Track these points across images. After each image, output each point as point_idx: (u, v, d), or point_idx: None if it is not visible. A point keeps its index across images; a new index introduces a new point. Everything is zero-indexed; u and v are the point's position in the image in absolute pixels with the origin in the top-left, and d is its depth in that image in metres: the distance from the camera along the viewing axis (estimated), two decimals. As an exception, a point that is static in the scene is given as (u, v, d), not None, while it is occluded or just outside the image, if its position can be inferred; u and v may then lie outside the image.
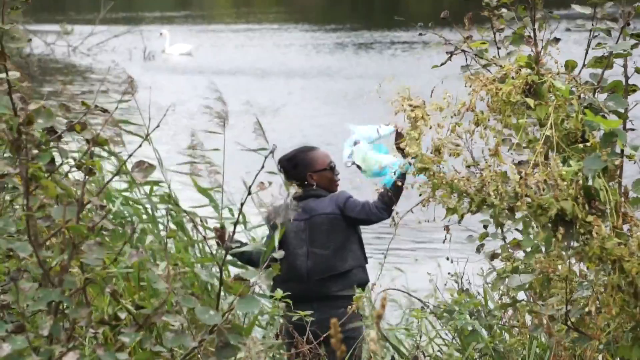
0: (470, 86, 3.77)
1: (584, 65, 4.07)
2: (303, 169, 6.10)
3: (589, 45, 4.09)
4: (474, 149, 3.79)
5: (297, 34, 33.54)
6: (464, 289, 5.05)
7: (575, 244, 3.77)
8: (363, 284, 6.03)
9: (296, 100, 21.19)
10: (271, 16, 40.03)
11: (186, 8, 45.21)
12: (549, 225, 3.76)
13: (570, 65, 4.00)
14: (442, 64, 3.90)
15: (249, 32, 34.89)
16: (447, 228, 3.96)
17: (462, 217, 3.83)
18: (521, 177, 3.68)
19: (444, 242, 4.01)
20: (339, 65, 25.72)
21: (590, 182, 3.72)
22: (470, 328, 4.61)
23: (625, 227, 3.87)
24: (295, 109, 20.01)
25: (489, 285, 4.72)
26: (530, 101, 3.73)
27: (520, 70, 3.79)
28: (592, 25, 4.07)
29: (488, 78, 3.76)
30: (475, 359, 4.66)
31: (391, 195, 5.65)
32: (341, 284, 6.02)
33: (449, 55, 3.92)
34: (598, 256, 3.73)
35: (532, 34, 4.11)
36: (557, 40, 4.11)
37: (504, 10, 4.14)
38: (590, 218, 3.70)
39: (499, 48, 4.13)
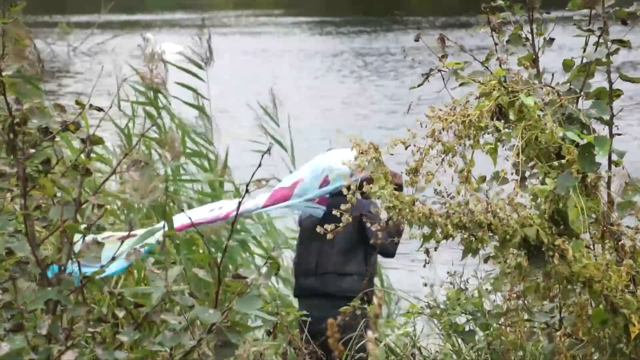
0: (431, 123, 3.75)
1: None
2: None
3: (586, 44, 4.08)
4: (445, 175, 3.81)
5: (297, 36, 33.53)
6: (461, 289, 5.03)
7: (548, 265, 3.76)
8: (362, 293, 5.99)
9: (293, 103, 21.16)
10: (272, 18, 40.02)
11: (187, 9, 45.20)
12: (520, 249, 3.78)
13: (568, 65, 3.99)
14: (419, 85, 3.96)
15: (249, 33, 34.88)
16: (427, 252, 3.96)
17: (438, 244, 3.85)
18: (489, 205, 3.68)
19: (424, 266, 4.02)
20: (339, 67, 25.69)
21: (565, 200, 3.69)
22: (462, 322, 4.60)
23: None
24: (291, 110, 19.96)
25: (488, 284, 4.68)
26: (500, 125, 3.72)
27: (492, 91, 3.77)
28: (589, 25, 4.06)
29: (445, 112, 3.74)
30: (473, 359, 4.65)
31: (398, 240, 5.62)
32: (340, 285, 6.08)
33: (426, 76, 3.96)
34: (566, 278, 3.73)
35: (528, 36, 4.11)
36: (551, 40, 4.10)
37: (500, 1, 4.13)
38: (558, 241, 3.68)
39: (496, 44, 4.13)
